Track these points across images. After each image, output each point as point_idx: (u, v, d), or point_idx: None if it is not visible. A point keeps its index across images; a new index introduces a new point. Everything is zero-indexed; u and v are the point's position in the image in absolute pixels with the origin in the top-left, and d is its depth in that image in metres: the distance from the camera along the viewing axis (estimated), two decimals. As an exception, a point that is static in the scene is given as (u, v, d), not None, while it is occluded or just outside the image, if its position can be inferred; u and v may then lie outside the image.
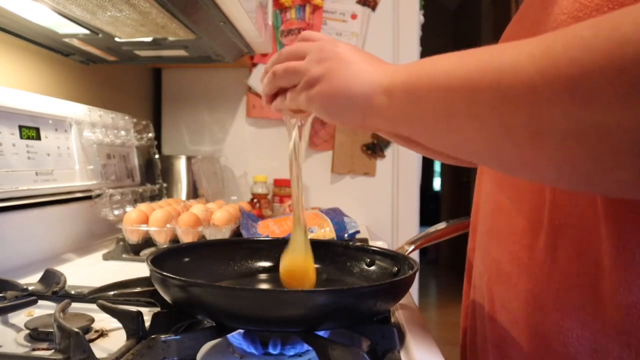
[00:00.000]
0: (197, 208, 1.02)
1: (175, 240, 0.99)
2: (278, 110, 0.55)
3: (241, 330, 0.50)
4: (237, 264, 0.67)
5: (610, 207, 0.37)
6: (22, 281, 0.65)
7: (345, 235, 1.02)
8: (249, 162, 1.63)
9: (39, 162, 0.89)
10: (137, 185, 1.22)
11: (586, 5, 0.37)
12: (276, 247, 0.70)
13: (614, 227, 0.36)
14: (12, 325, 0.56)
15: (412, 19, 1.56)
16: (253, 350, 0.48)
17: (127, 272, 0.85)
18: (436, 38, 4.71)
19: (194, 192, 1.44)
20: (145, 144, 1.31)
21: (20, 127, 0.87)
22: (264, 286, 0.65)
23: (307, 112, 0.54)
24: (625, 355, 0.36)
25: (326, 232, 1.02)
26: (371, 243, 1.01)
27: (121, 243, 0.97)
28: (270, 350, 0.48)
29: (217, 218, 1.00)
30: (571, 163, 0.30)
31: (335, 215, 1.06)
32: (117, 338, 0.53)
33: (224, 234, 0.98)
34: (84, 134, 1.04)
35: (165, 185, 1.36)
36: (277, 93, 0.54)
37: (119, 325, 0.47)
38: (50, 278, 0.65)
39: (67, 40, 1.00)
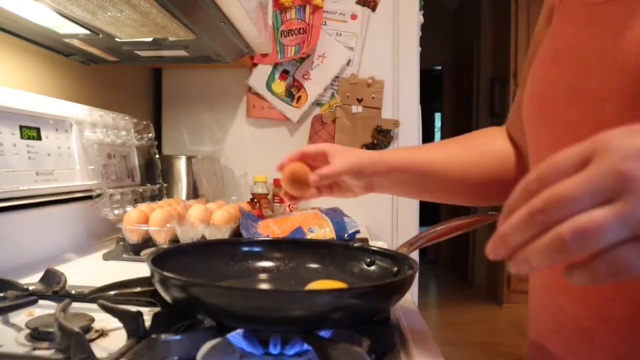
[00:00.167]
0: (197, 208, 1.02)
1: (175, 240, 0.99)
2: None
3: (241, 330, 0.50)
4: (237, 264, 0.67)
5: None
6: (23, 281, 0.65)
7: (345, 235, 1.03)
8: (249, 162, 1.64)
9: (40, 162, 0.89)
10: (138, 185, 1.22)
11: None
12: (276, 247, 0.70)
13: None
14: (13, 325, 0.56)
15: (412, 19, 1.56)
16: (253, 350, 0.48)
17: (127, 272, 0.85)
18: (436, 38, 4.72)
19: (194, 192, 1.44)
20: (145, 144, 1.31)
21: (21, 127, 0.87)
22: (264, 286, 0.65)
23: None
24: None
25: (326, 232, 1.02)
26: (371, 243, 1.01)
27: (121, 243, 0.97)
28: (271, 350, 0.48)
29: (217, 218, 1.00)
30: None
31: (335, 215, 1.06)
32: (117, 338, 0.53)
33: (224, 234, 0.99)
34: (84, 134, 1.04)
35: (165, 185, 1.36)
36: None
37: (119, 325, 0.47)
38: (51, 278, 0.65)
39: (67, 40, 1.00)
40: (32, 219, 0.88)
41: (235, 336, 0.50)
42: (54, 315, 0.47)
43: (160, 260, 0.54)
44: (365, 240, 1.05)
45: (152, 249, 0.96)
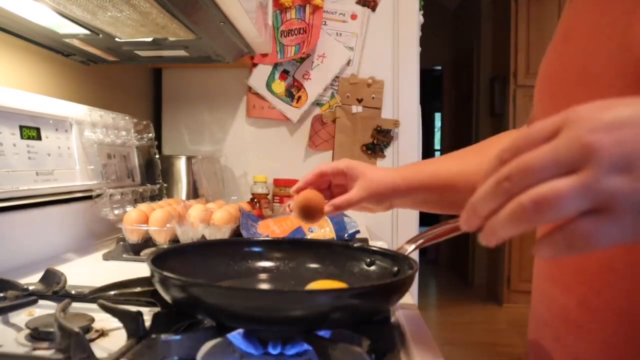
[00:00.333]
0: (197, 208, 1.02)
1: (175, 240, 0.99)
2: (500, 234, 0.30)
3: (241, 330, 0.50)
4: (237, 264, 0.67)
5: None
6: (23, 281, 0.65)
7: (345, 235, 1.03)
8: (249, 162, 1.64)
9: (40, 162, 0.89)
10: (138, 185, 1.22)
11: None
12: (276, 247, 0.70)
13: None
14: (13, 325, 0.56)
15: (412, 19, 1.56)
16: (253, 350, 0.48)
17: (127, 272, 0.85)
18: (436, 38, 4.72)
19: (194, 192, 1.44)
20: (145, 144, 1.31)
21: (21, 127, 0.87)
22: (264, 286, 0.65)
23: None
24: None
25: (326, 232, 1.02)
26: (371, 243, 1.01)
27: (121, 243, 0.97)
28: (270, 350, 0.48)
29: (217, 218, 1.00)
30: None
31: (335, 215, 1.06)
32: (117, 338, 0.53)
33: (224, 234, 0.99)
34: (84, 134, 1.04)
35: (165, 185, 1.36)
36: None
37: (119, 325, 0.47)
38: (51, 278, 0.65)
39: (67, 40, 1.00)
40: (32, 219, 0.88)
41: (235, 336, 0.50)
42: (54, 315, 0.47)
43: (160, 260, 0.54)
44: (365, 240, 1.05)
45: (152, 249, 0.96)
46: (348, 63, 1.56)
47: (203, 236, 0.97)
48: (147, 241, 0.99)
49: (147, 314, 0.50)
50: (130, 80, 1.54)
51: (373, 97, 1.55)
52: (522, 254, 3.49)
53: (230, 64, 1.29)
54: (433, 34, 4.25)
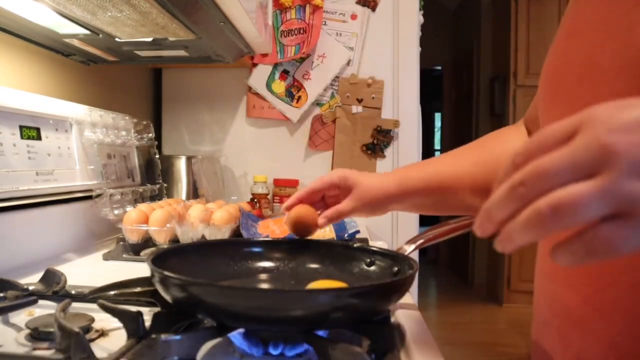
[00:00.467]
0: (197, 208, 1.02)
1: (175, 240, 0.99)
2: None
3: (241, 330, 0.50)
4: (237, 264, 0.67)
5: None
6: (23, 281, 0.65)
7: (345, 235, 1.03)
8: (249, 162, 1.64)
9: (40, 162, 0.89)
10: (138, 185, 1.22)
11: None
12: (276, 247, 0.70)
13: None
14: (13, 325, 0.56)
15: (412, 19, 1.56)
16: (253, 351, 0.48)
17: (127, 272, 0.85)
18: (436, 38, 4.72)
19: (194, 192, 1.44)
20: (145, 144, 1.31)
21: (21, 127, 0.87)
22: (264, 286, 0.65)
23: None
24: None
25: (326, 232, 1.02)
26: (371, 243, 1.01)
27: (121, 243, 0.97)
28: (271, 351, 0.48)
29: (217, 218, 1.00)
30: None
31: (337, 217, 1.06)
32: (117, 338, 0.53)
33: (224, 234, 0.99)
34: (84, 134, 1.04)
35: (165, 185, 1.36)
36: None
37: (119, 325, 0.47)
38: (51, 278, 0.65)
39: (67, 40, 1.00)
40: (32, 219, 0.88)
41: (236, 336, 0.50)
42: (54, 315, 0.47)
43: (160, 260, 0.54)
44: (365, 240, 1.05)
45: (152, 249, 0.96)
46: (348, 63, 1.56)
47: (203, 236, 0.97)
48: (147, 241, 0.99)
49: (147, 314, 0.50)
50: (130, 80, 1.54)
51: (373, 97, 1.55)
52: (522, 254, 3.49)
53: (230, 64, 1.29)
54: (433, 34, 4.25)
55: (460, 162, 0.67)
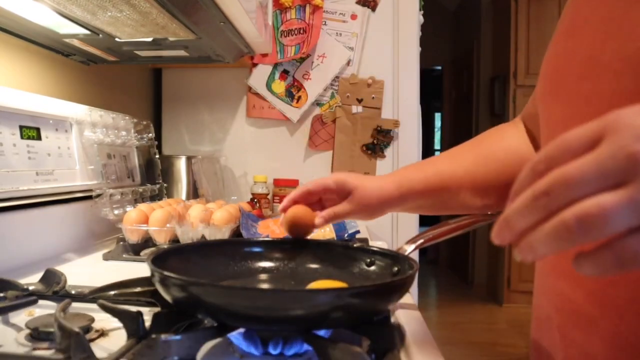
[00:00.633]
0: (197, 208, 1.02)
1: (175, 240, 0.99)
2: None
3: (241, 330, 0.50)
4: (237, 264, 0.67)
5: None
6: (23, 281, 0.65)
7: (345, 235, 1.03)
8: (249, 162, 1.64)
9: (40, 162, 0.89)
10: (138, 185, 1.22)
11: None
12: (276, 247, 0.70)
13: None
14: (13, 325, 0.56)
15: (412, 19, 1.56)
16: (253, 351, 0.48)
17: (127, 272, 0.85)
18: (436, 38, 4.72)
19: (194, 192, 1.44)
20: (145, 144, 1.31)
21: (21, 127, 0.87)
22: (264, 286, 0.65)
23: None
24: None
25: (326, 232, 1.02)
26: (371, 243, 1.01)
27: (121, 243, 0.97)
28: (271, 350, 0.48)
29: (217, 218, 1.00)
30: None
31: (336, 217, 1.06)
32: (117, 338, 0.53)
33: (224, 234, 0.99)
34: (84, 134, 1.04)
35: (165, 185, 1.36)
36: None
37: (119, 325, 0.47)
38: (51, 278, 0.65)
39: (67, 40, 1.00)
40: (32, 219, 0.88)
41: (236, 336, 0.50)
42: (54, 315, 0.47)
43: (160, 260, 0.54)
44: (365, 240, 1.05)
45: (152, 249, 0.96)
46: (348, 63, 1.56)
47: (203, 236, 0.97)
48: (147, 241, 0.99)
49: (147, 314, 0.50)
50: (130, 80, 1.54)
51: (373, 97, 1.55)
52: (522, 254, 3.48)
53: (230, 64, 1.29)
54: (433, 34, 4.25)
55: (460, 162, 0.67)
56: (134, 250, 0.98)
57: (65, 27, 0.92)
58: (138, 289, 0.57)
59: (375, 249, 0.67)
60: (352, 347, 0.43)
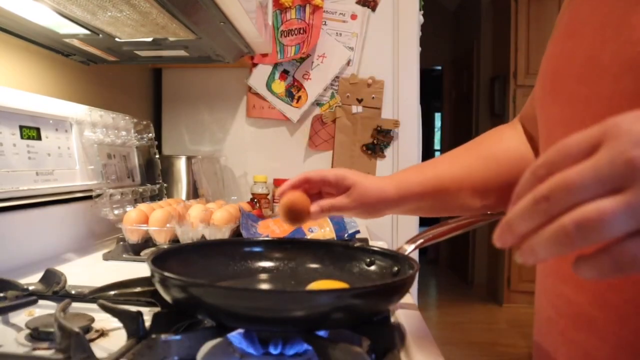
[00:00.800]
0: (197, 208, 1.02)
1: (175, 240, 0.99)
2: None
3: (241, 330, 0.50)
4: (237, 264, 0.67)
5: None
6: (23, 281, 0.65)
7: (345, 235, 1.03)
8: (249, 162, 1.64)
9: (40, 162, 0.89)
10: (138, 185, 1.22)
11: None
12: (276, 247, 0.70)
13: None
14: (13, 325, 0.56)
15: (412, 19, 1.56)
16: (253, 351, 0.48)
17: (127, 272, 0.85)
18: (436, 38, 4.72)
19: (194, 192, 1.44)
20: (145, 144, 1.31)
21: (21, 127, 0.87)
22: (264, 286, 0.65)
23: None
24: None
25: (326, 232, 1.02)
26: (371, 243, 1.01)
27: (121, 243, 0.97)
28: (271, 350, 0.48)
29: (217, 218, 1.00)
30: None
31: (335, 215, 1.06)
32: (117, 338, 0.53)
33: (224, 234, 0.99)
34: (84, 134, 1.04)
35: (165, 185, 1.36)
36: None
37: (120, 325, 0.47)
38: (51, 278, 0.65)
39: (67, 40, 1.00)
40: (32, 219, 0.88)
41: (236, 336, 0.50)
42: (54, 315, 0.47)
43: (160, 260, 0.54)
44: (365, 240, 1.05)
45: (152, 249, 0.96)
46: (348, 63, 1.56)
47: (203, 236, 0.97)
48: (147, 241, 0.99)
49: (147, 314, 0.50)
50: (130, 80, 1.54)
51: (373, 97, 1.55)
52: (522, 254, 3.48)
53: (230, 64, 1.29)
54: (433, 34, 4.25)
55: (459, 164, 0.67)
56: (134, 250, 0.98)
57: (65, 27, 0.92)
58: (138, 289, 0.57)
59: (375, 248, 0.67)
60: (352, 347, 0.43)
